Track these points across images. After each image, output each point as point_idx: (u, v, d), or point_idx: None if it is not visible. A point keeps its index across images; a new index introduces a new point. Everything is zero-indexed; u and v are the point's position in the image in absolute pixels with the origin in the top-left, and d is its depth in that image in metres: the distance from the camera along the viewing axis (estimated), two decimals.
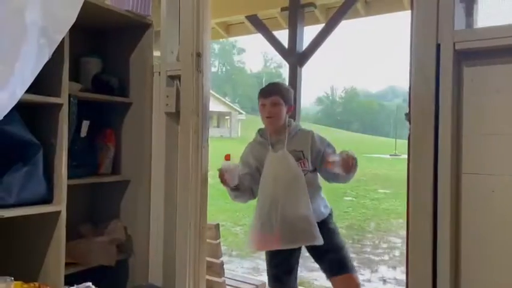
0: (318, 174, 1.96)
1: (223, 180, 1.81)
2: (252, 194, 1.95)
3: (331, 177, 1.91)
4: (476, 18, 1.44)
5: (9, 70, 1.34)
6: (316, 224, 1.82)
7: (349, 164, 1.73)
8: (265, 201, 1.87)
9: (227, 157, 1.81)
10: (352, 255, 4.54)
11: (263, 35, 3.86)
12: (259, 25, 3.82)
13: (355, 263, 4.41)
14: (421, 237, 1.39)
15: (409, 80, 1.42)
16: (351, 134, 36.83)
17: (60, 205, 1.60)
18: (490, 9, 1.43)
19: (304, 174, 1.86)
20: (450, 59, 1.33)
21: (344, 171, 1.75)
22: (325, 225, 1.92)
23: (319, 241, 1.81)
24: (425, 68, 1.37)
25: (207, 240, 2.21)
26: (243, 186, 1.91)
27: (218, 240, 2.67)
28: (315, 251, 1.94)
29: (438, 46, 1.35)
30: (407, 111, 1.43)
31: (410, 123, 1.41)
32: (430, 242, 1.37)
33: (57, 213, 1.60)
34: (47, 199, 1.60)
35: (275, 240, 1.84)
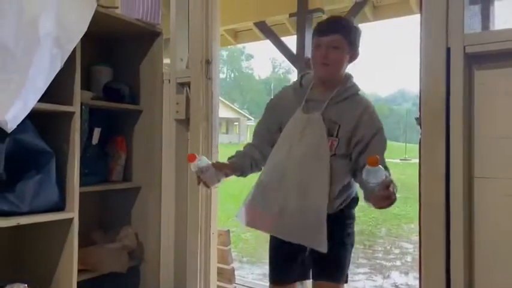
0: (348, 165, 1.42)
1: (199, 183, 1.44)
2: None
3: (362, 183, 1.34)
4: (493, 20, 1.43)
5: (23, 80, 1.37)
6: (326, 226, 1.36)
7: (386, 195, 1.20)
8: (271, 171, 1.45)
9: (191, 158, 1.38)
10: (363, 261, 4.52)
11: (271, 41, 3.89)
12: (268, 31, 3.85)
13: (366, 269, 4.35)
14: (434, 242, 1.37)
15: (419, 84, 1.42)
16: None
17: (72, 212, 1.62)
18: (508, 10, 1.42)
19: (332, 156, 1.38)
20: (460, 63, 1.32)
21: (375, 199, 1.23)
22: (335, 220, 1.42)
23: (323, 248, 1.36)
24: (435, 72, 1.36)
25: (218, 246, 2.22)
26: (252, 165, 1.51)
27: (228, 247, 2.67)
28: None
29: (448, 50, 1.35)
30: (418, 116, 1.43)
31: (421, 127, 1.41)
32: (442, 247, 1.35)
33: (70, 220, 1.61)
34: (60, 206, 1.61)
35: (267, 222, 1.43)
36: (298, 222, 1.38)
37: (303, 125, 1.40)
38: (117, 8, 1.96)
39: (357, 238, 1.73)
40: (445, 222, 1.35)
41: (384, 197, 1.20)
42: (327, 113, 1.40)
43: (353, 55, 1.42)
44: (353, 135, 1.39)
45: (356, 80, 1.46)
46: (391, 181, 1.20)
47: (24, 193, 1.49)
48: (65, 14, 1.52)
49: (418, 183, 1.42)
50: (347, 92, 1.43)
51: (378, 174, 1.18)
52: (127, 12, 1.93)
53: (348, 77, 1.46)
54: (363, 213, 7.49)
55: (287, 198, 1.39)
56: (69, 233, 1.62)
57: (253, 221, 1.49)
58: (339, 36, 1.37)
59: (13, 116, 1.35)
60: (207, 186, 1.45)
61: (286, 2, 3.54)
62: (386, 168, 1.31)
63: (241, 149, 1.57)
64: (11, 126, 1.35)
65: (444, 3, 1.37)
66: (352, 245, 1.52)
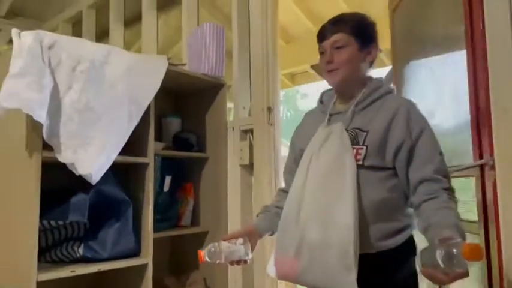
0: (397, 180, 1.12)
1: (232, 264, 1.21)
2: None
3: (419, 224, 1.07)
4: None
5: (105, 136, 1.51)
6: (355, 264, 1.02)
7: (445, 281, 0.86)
8: (289, 201, 1.19)
9: (201, 257, 1.19)
10: None
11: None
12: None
13: None
14: None
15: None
16: None
17: (147, 258, 1.70)
18: None
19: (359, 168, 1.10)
20: None
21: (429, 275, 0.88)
22: (385, 263, 1.09)
23: None
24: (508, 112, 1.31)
25: None
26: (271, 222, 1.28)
27: None
28: None
29: None
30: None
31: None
32: None
33: (145, 266, 1.70)
34: (136, 252, 1.71)
35: (291, 268, 1.12)
36: (319, 263, 1.06)
37: (322, 139, 1.17)
38: (184, 64, 2.11)
39: None
40: None
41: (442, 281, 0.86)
42: (353, 122, 1.16)
43: (369, 52, 1.20)
44: (386, 139, 1.10)
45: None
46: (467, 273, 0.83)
47: (105, 240, 1.60)
48: (141, 75, 1.67)
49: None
50: (375, 93, 1.18)
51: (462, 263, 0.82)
52: (193, 68, 2.08)
53: (374, 78, 1.23)
54: None
55: (305, 232, 1.09)
56: (144, 278, 1.70)
57: (280, 271, 1.17)
58: (341, 34, 1.17)
59: (97, 170, 1.48)
60: (242, 263, 1.19)
61: None
62: (450, 189, 1.06)
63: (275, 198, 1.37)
64: (95, 178, 1.48)
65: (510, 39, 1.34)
66: None
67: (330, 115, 1.23)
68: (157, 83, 1.71)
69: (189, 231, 2.12)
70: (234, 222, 2.14)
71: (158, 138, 2.09)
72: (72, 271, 1.47)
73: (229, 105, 2.30)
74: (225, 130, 2.17)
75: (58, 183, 1.51)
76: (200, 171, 2.20)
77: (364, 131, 1.13)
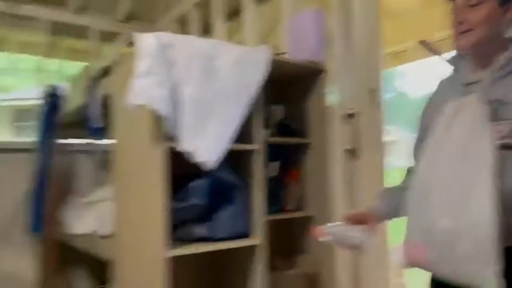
0: None
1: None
2: None
3: None
4: None
5: (219, 126, 1.64)
6: (496, 257, 0.88)
7: None
8: (415, 185, 1.07)
9: (316, 233, 1.16)
10: None
11: (437, 58, 3.68)
12: (433, 49, 3.66)
13: None
14: None
15: None
16: None
17: (258, 239, 1.80)
18: None
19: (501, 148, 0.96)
20: None
21: None
22: None
23: (490, 285, 0.90)
24: None
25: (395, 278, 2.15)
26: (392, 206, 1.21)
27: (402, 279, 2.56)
28: None
29: None
30: None
31: None
32: None
33: (257, 247, 1.80)
34: (247, 234, 1.82)
35: (420, 257, 1.02)
36: (450, 254, 0.94)
37: (455, 113, 1.01)
38: (285, 53, 2.16)
39: None
40: None
41: None
42: (493, 92, 1.00)
43: (508, 9, 1.03)
44: None
45: None
46: None
47: (221, 222, 1.73)
48: (248, 66, 1.76)
49: None
50: None
51: None
52: (294, 55, 2.11)
53: None
54: None
55: (435, 219, 0.97)
56: (256, 258, 1.81)
57: (408, 259, 1.06)
58: None
59: (214, 157, 1.61)
60: (356, 249, 1.15)
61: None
62: None
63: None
64: (210, 165, 1.61)
65: None
66: None
67: (466, 85, 1.09)
68: (263, 72, 1.78)
69: (296, 215, 2.19)
70: (340, 207, 2.15)
71: (265, 125, 2.17)
72: (196, 248, 1.62)
73: (331, 89, 2.29)
74: (327, 115, 2.17)
75: (180, 169, 1.67)
76: (304, 157, 2.24)
77: (506, 103, 0.98)
